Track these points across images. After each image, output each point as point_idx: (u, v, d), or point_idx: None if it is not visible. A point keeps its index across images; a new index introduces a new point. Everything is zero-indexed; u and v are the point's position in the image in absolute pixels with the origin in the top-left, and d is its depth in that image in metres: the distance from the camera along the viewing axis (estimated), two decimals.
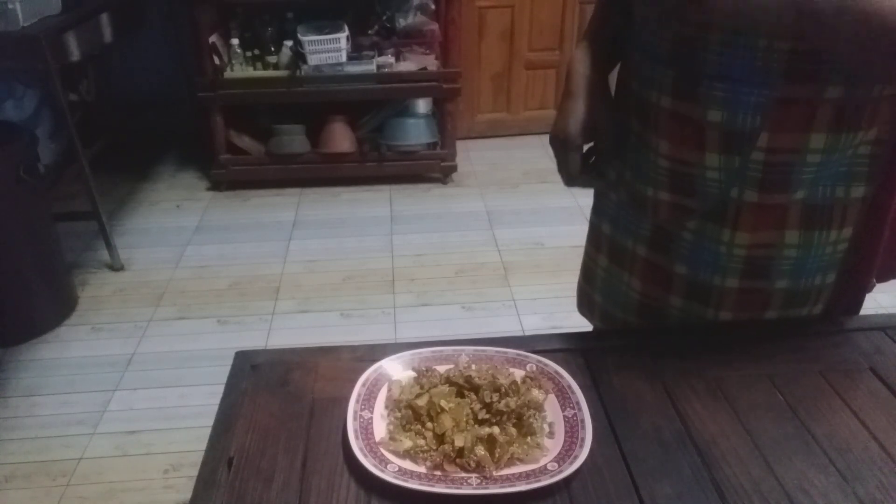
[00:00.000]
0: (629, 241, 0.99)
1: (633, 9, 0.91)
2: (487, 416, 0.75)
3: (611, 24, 0.98)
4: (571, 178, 1.00)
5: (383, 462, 0.71)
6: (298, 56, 3.06)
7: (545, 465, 0.71)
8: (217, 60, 3.08)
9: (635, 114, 0.92)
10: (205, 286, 2.65)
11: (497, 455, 0.71)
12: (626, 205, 0.98)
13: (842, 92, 0.78)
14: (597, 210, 1.06)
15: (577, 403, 0.78)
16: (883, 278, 0.95)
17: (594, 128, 0.95)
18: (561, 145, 0.97)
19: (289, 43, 3.10)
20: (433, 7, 3.30)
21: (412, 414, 0.77)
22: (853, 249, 0.90)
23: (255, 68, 3.18)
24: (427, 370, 0.83)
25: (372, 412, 0.78)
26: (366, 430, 0.75)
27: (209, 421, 0.78)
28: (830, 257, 0.90)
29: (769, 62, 0.78)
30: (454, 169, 3.42)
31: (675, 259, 0.94)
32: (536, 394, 0.79)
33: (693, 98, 0.83)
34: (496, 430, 0.73)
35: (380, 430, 0.76)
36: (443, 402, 0.76)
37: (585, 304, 1.12)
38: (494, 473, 0.70)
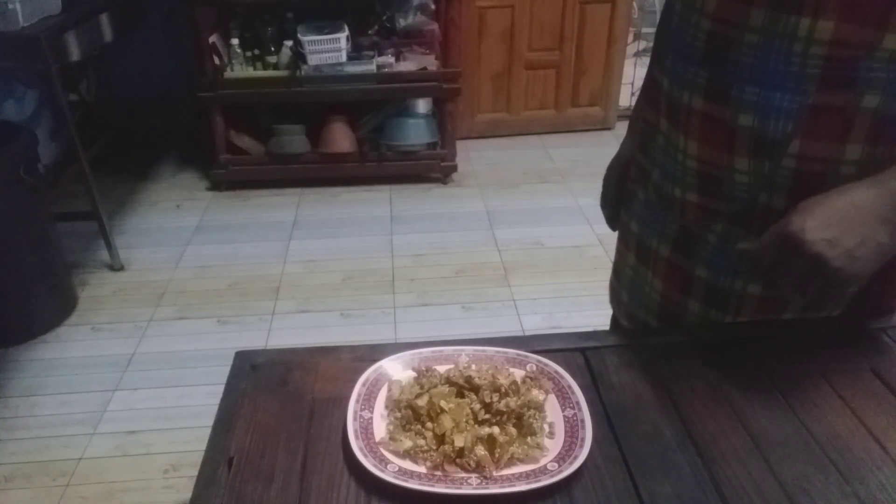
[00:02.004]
0: (654, 240, 0.98)
1: (670, 14, 0.91)
2: (487, 417, 0.75)
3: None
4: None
5: (383, 462, 0.71)
6: (298, 56, 3.05)
7: (545, 465, 0.71)
8: (217, 60, 3.08)
9: (665, 113, 0.91)
10: (205, 286, 2.65)
11: (497, 455, 0.71)
12: (653, 204, 0.97)
13: (880, 102, 0.76)
14: (627, 208, 1.06)
15: (577, 403, 0.78)
16: None
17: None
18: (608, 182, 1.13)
19: (289, 43, 3.10)
20: (433, 7, 3.30)
21: (412, 414, 0.77)
22: None
23: (255, 68, 3.18)
24: (427, 370, 0.83)
25: (372, 412, 0.78)
26: (366, 430, 0.75)
27: (209, 421, 0.78)
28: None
29: (805, 67, 0.76)
30: (454, 169, 3.42)
31: (697, 262, 0.93)
32: (536, 394, 0.79)
33: (725, 101, 0.82)
34: (496, 430, 0.73)
35: (380, 430, 0.76)
36: (443, 403, 0.76)
37: (615, 301, 1.11)
38: (494, 473, 0.70)
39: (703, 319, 0.95)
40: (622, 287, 1.07)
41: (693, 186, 0.89)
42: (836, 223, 0.74)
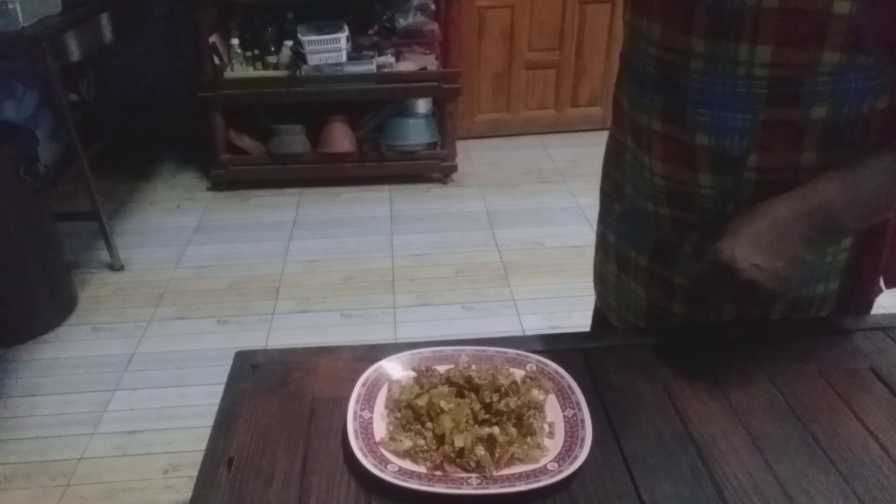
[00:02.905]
0: (632, 251, 1.00)
1: (624, 37, 0.93)
2: (487, 417, 0.75)
3: None
4: None
5: (383, 462, 0.71)
6: (298, 56, 3.06)
7: (545, 465, 0.71)
8: (217, 60, 3.08)
9: (629, 133, 0.93)
10: (205, 286, 2.65)
11: (497, 455, 0.71)
12: (629, 217, 0.99)
13: (828, 112, 0.78)
14: (603, 219, 1.07)
15: (577, 403, 0.78)
16: (891, 284, 0.95)
17: None
18: None
19: (289, 43, 3.10)
20: (433, 7, 3.30)
21: (412, 414, 0.77)
22: (855, 256, 0.90)
23: (255, 68, 3.18)
24: (427, 370, 0.83)
25: (372, 412, 0.78)
26: (366, 430, 0.75)
27: (209, 421, 0.78)
28: (831, 266, 0.90)
29: (751, 88, 0.78)
30: (454, 169, 3.42)
31: (676, 271, 0.94)
32: (536, 394, 0.79)
33: (681, 123, 0.84)
34: (496, 430, 0.73)
35: (380, 430, 0.76)
36: (442, 403, 0.76)
37: (603, 305, 1.12)
38: (494, 473, 0.70)
39: (689, 321, 0.97)
40: (609, 293, 1.08)
41: (664, 201, 0.91)
42: (763, 247, 0.77)
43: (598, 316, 1.18)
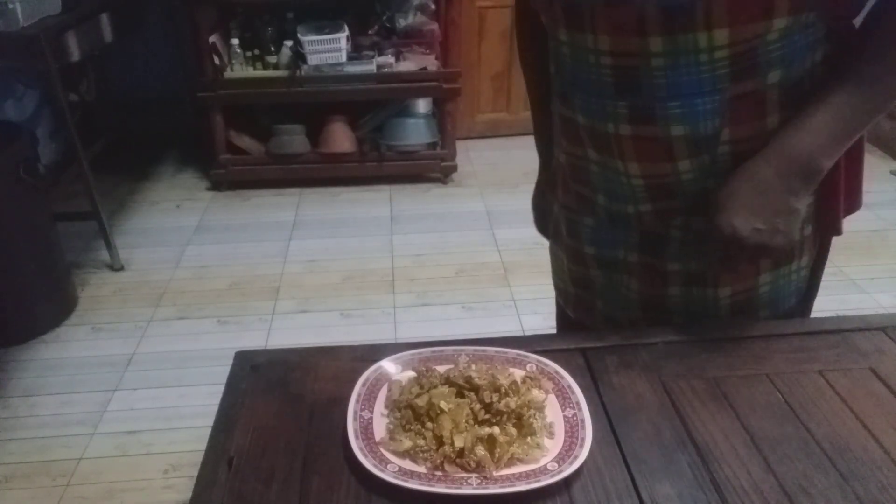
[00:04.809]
0: (619, 253, 1.00)
1: (558, 54, 0.93)
2: (487, 417, 0.75)
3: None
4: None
5: (383, 462, 0.71)
6: (298, 56, 3.06)
7: (545, 465, 0.71)
8: (217, 60, 3.08)
9: (590, 145, 0.93)
10: (205, 286, 2.65)
11: (497, 455, 0.71)
12: (605, 225, 1.00)
13: (782, 74, 0.83)
14: (572, 235, 1.06)
15: (577, 403, 0.78)
16: (850, 211, 0.97)
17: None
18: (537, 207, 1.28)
19: (289, 43, 3.10)
20: (433, 7, 3.30)
21: (412, 414, 0.77)
22: (818, 199, 0.93)
23: (255, 68, 3.18)
24: (427, 370, 0.83)
25: (372, 412, 0.78)
26: (366, 430, 0.75)
27: (209, 421, 0.78)
28: (806, 210, 0.92)
29: (714, 70, 0.81)
30: (454, 169, 3.42)
31: (668, 258, 0.96)
32: (536, 394, 0.79)
33: (652, 121, 0.86)
34: (496, 430, 0.73)
35: (380, 430, 0.76)
36: (442, 403, 0.76)
37: (583, 310, 1.12)
38: (494, 473, 0.70)
39: (687, 299, 0.98)
40: (595, 296, 1.08)
41: (644, 199, 0.93)
42: (757, 210, 0.83)
43: (565, 322, 1.20)
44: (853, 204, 0.97)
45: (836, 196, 0.93)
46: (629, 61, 0.83)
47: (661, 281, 0.98)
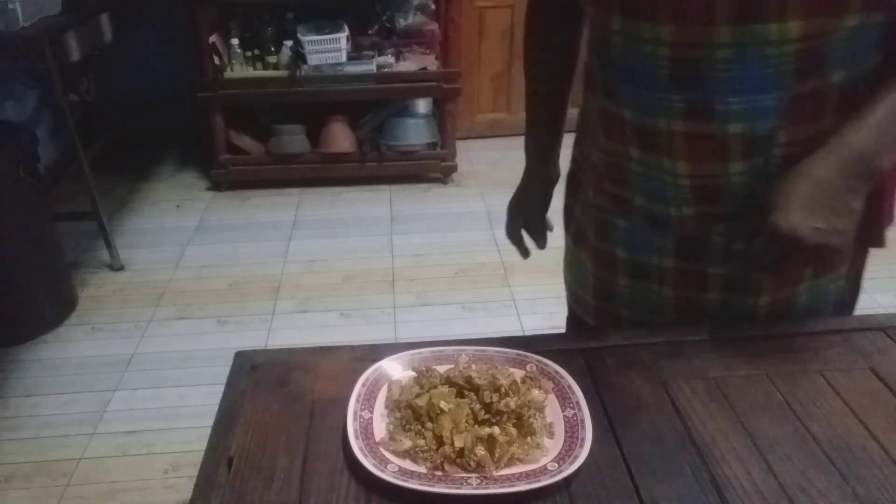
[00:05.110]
0: (653, 258, 0.97)
1: (607, 46, 0.89)
2: (487, 417, 0.75)
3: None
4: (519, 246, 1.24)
5: (383, 462, 0.71)
6: (298, 56, 3.06)
7: (545, 465, 0.71)
8: (217, 60, 3.08)
9: (634, 142, 0.90)
10: (205, 286, 2.65)
11: (497, 455, 0.71)
12: (641, 227, 0.96)
13: (846, 74, 0.81)
14: (602, 237, 1.02)
15: (577, 403, 0.78)
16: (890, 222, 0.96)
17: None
18: (514, 215, 1.24)
19: (289, 43, 3.10)
20: (433, 7, 3.30)
21: (412, 414, 0.77)
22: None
23: (255, 68, 3.18)
24: (427, 370, 0.83)
25: (372, 412, 0.78)
26: (366, 430, 0.75)
27: (209, 421, 0.78)
28: None
29: (780, 66, 0.78)
30: (454, 169, 3.42)
31: (709, 263, 0.93)
32: (536, 394, 0.79)
33: (709, 117, 0.82)
34: (496, 430, 0.73)
35: (380, 430, 0.76)
36: (442, 403, 0.76)
37: (607, 318, 1.09)
38: (494, 473, 0.70)
39: (725, 304, 0.95)
40: (620, 306, 1.05)
41: (689, 201, 0.90)
42: (817, 209, 0.79)
43: (576, 326, 1.19)
44: (892, 216, 0.94)
45: (882, 205, 0.91)
46: (690, 52, 0.80)
47: (699, 286, 0.95)
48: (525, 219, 1.23)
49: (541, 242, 1.26)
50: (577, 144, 1.09)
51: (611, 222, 1.00)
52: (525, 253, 1.27)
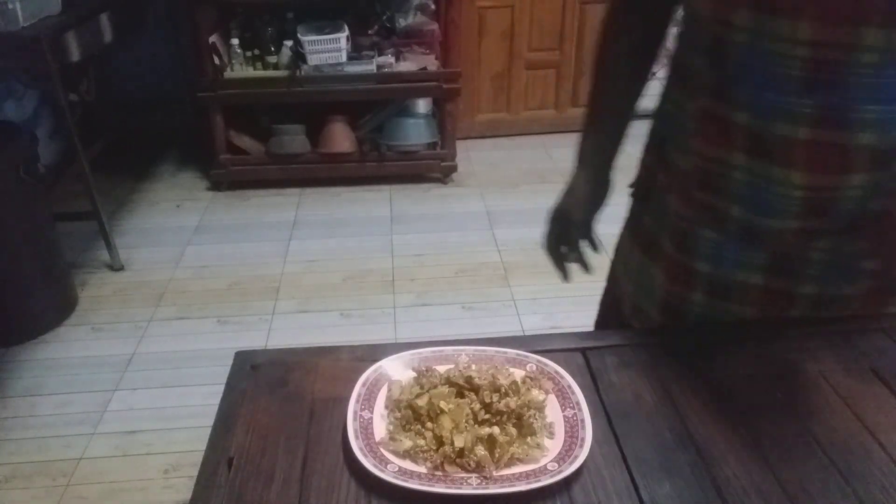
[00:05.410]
0: (739, 274, 0.92)
1: (723, 43, 0.82)
2: (487, 417, 0.75)
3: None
4: (569, 252, 1.11)
5: (383, 462, 0.71)
6: (298, 56, 3.06)
7: (545, 465, 0.71)
8: (217, 60, 3.08)
9: (744, 149, 0.83)
10: (205, 286, 2.65)
11: (497, 455, 0.71)
12: (732, 240, 0.90)
13: None
14: (681, 248, 0.95)
15: (577, 403, 0.78)
16: None
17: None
18: (564, 224, 1.10)
19: (289, 43, 3.10)
20: (433, 7, 3.30)
21: (412, 414, 0.77)
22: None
23: (255, 68, 3.18)
24: (427, 370, 0.83)
25: (372, 412, 0.78)
26: (366, 430, 0.75)
27: (209, 421, 0.78)
28: None
29: None
30: (454, 169, 3.42)
31: (800, 281, 0.90)
32: (536, 394, 0.79)
33: (841, 125, 0.77)
34: (496, 430, 0.73)
35: (380, 430, 0.76)
36: (442, 404, 0.76)
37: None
38: (494, 473, 0.70)
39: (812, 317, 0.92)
40: (690, 324, 0.99)
41: (795, 214, 0.83)
42: None
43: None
44: None
45: None
46: (832, 54, 0.73)
47: (783, 306, 0.92)
48: (573, 230, 1.11)
49: (585, 259, 1.13)
50: (652, 149, 1.02)
51: (696, 233, 0.93)
52: (566, 274, 1.15)
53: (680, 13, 0.94)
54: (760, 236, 0.87)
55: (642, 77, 1.02)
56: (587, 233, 1.13)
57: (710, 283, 0.94)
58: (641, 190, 1.05)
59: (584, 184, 1.09)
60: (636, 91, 1.03)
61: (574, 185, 1.10)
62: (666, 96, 0.97)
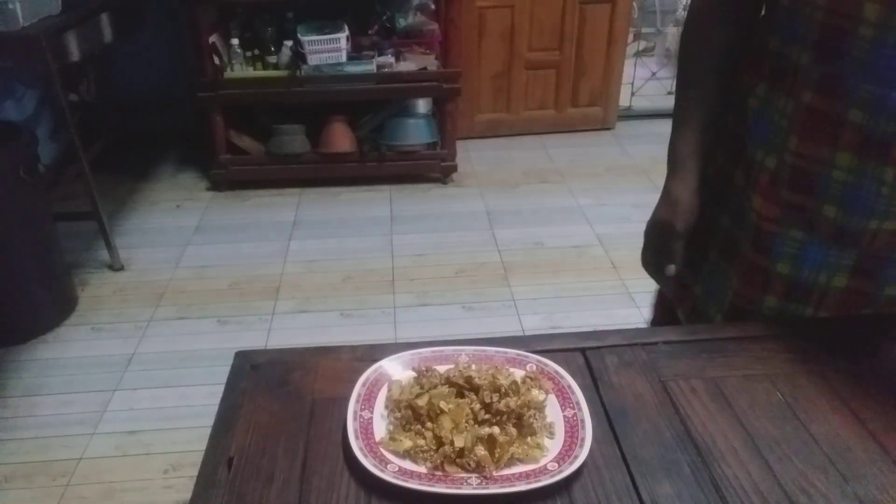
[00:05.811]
0: (822, 276, 0.90)
1: (840, 39, 0.79)
2: (487, 417, 0.75)
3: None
4: (669, 270, 1.01)
5: (383, 462, 0.71)
6: (298, 56, 3.06)
7: (545, 465, 0.71)
8: (217, 60, 3.08)
9: (851, 148, 0.81)
10: (205, 286, 2.65)
11: (497, 455, 0.71)
12: (821, 241, 0.88)
13: None
14: (762, 248, 0.93)
15: (577, 403, 0.78)
16: None
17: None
18: (665, 235, 1.01)
19: (289, 43, 3.10)
20: (433, 7, 3.30)
21: (412, 414, 0.77)
22: None
23: (255, 68, 3.18)
24: (427, 370, 0.83)
25: (372, 412, 0.78)
26: (366, 430, 0.75)
27: (209, 421, 0.78)
28: None
29: None
30: (454, 169, 3.42)
31: (887, 283, 0.89)
32: (536, 394, 0.79)
33: None
34: (496, 430, 0.73)
35: (380, 430, 0.76)
36: (442, 404, 0.76)
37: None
38: (494, 473, 0.70)
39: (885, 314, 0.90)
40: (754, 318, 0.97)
41: (892, 214, 0.82)
42: None
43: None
44: None
45: None
46: None
47: (866, 303, 0.91)
48: (675, 241, 1.02)
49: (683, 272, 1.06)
50: (728, 147, 0.99)
51: (780, 234, 0.91)
52: (672, 288, 1.07)
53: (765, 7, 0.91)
54: (853, 237, 0.85)
55: (730, 72, 0.98)
56: (687, 244, 1.04)
57: (787, 285, 0.92)
58: (716, 190, 1.00)
59: (685, 191, 1.00)
60: (726, 87, 0.98)
61: (674, 193, 1.01)
62: (747, 93, 0.93)
